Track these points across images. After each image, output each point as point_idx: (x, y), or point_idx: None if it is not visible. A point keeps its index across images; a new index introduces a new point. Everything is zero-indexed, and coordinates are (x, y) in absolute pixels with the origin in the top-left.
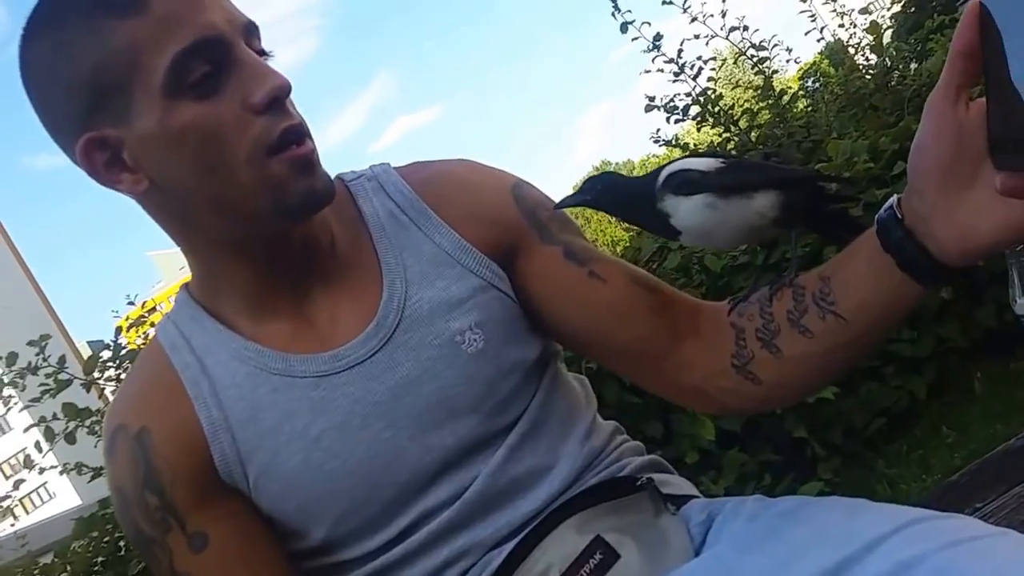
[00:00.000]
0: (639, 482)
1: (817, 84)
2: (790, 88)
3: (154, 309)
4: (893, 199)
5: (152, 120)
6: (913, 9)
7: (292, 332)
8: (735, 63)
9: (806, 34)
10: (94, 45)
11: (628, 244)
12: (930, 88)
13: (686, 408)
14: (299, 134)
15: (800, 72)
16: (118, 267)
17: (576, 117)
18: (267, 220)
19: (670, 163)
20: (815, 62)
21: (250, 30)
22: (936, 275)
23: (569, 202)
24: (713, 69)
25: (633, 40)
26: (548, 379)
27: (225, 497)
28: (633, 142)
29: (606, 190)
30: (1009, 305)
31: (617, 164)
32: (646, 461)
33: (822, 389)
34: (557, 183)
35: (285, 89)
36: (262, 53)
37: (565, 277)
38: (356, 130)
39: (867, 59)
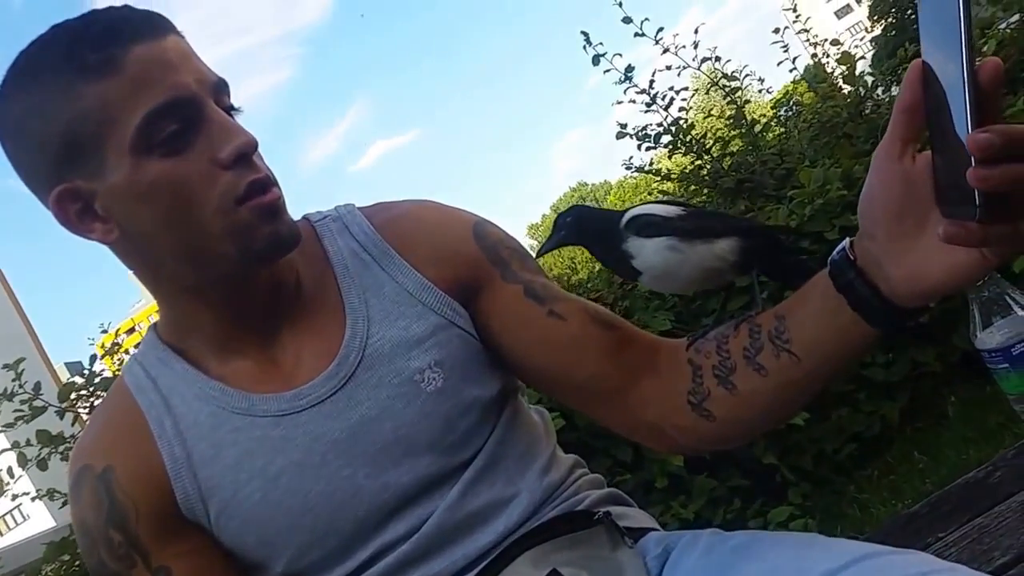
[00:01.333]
0: (596, 516)
1: (790, 112)
2: (763, 117)
3: (133, 329)
4: (846, 241)
5: (122, 175)
6: (894, 32)
7: (257, 372)
8: (707, 93)
9: (779, 64)
10: (68, 104)
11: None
12: None
13: (642, 444)
14: (264, 185)
15: (773, 101)
16: (99, 286)
17: (554, 141)
18: (233, 265)
19: (632, 207)
20: (789, 90)
21: (219, 88)
22: (887, 317)
23: (549, 246)
24: (684, 100)
25: (605, 72)
26: (507, 414)
27: (187, 532)
28: (609, 165)
29: (576, 222)
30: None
31: (594, 184)
32: (605, 494)
33: (774, 427)
34: (535, 199)
35: (251, 145)
36: (231, 109)
37: (525, 315)
38: (335, 152)
39: (840, 88)
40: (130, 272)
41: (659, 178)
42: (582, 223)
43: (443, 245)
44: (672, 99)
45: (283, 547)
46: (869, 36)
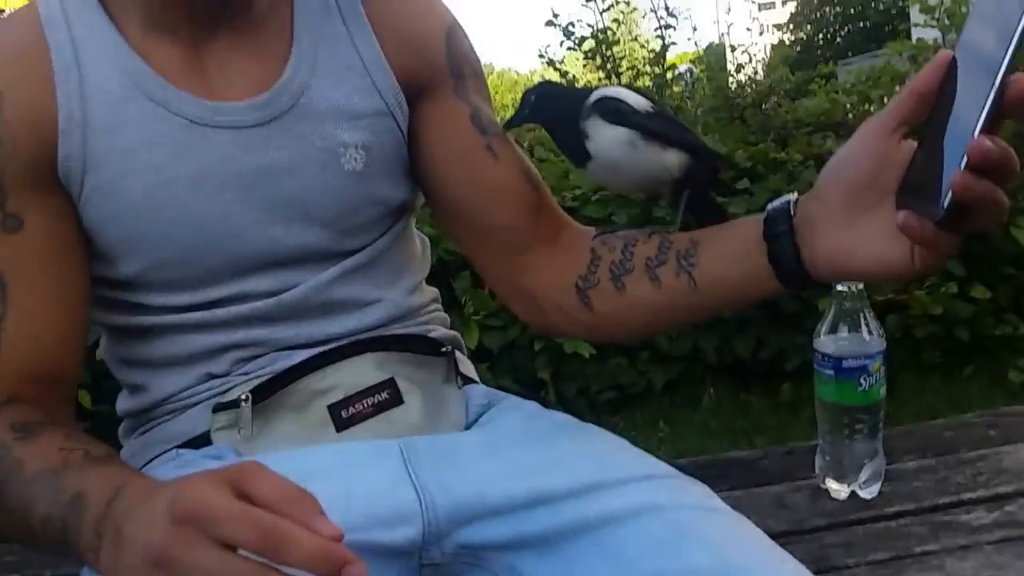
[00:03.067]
0: (444, 349)
1: (692, 76)
2: (679, 64)
3: None
4: (793, 195)
5: None
6: (800, 49)
7: (181, 65)
8: (644, 16)
9: (714, 23)
10: None
11: None
12: (798, 126)
13: (513, 310)
14: None
15: (690, 57)
16: None
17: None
18: None
19: (605, 87)
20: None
21: None
22: (797, 279)
23: (516, 121)
24: (622, 12)
25: None
26: (399, 226)
27: (53, 193)
28: (520, 51)
29: (541, 98)
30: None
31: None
32: (451, 335)
33: (640, 338)
34: None
35: None
36: None
37: (463, 138)
38: None
39: (752, 74)
40: None
41: (566, 81)
42: (547, 99)
43: (414, 31)
44: (611, 5)
45: (144, 252)
46: (777, 38)
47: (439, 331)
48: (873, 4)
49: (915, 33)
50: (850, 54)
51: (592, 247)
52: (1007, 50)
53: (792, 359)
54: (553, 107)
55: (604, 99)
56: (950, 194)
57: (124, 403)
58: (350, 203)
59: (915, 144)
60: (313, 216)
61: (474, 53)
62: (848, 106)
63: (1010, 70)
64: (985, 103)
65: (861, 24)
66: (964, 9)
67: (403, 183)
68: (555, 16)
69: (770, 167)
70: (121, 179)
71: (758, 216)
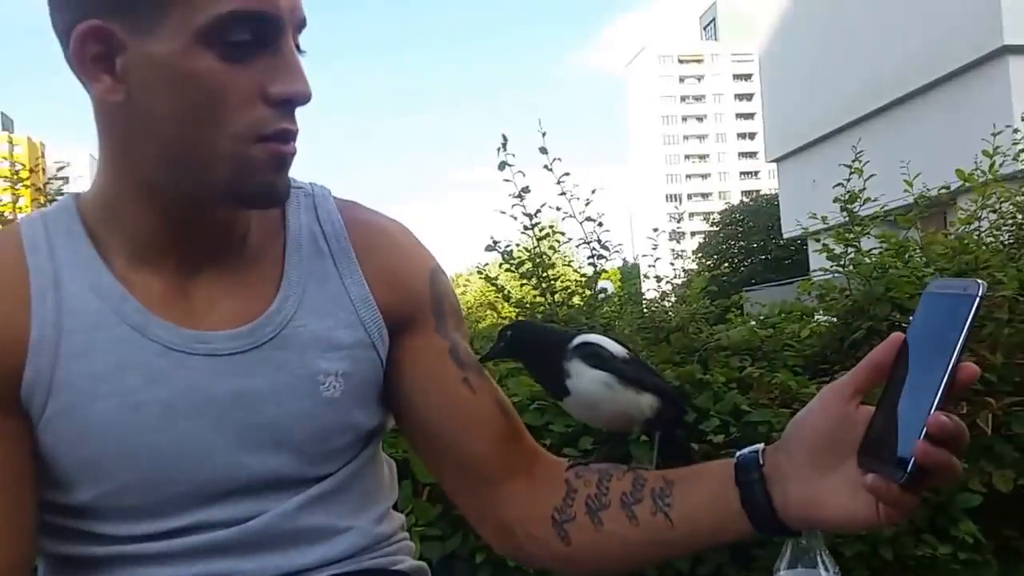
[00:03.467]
0: None
1: (607, 293)
2: (608, 282)
3: None
4: (760, 445)
5: (169, 50)
6: (714, 286)
7: (163, 296)
8: (577, 246)
9: (642, 256)
10: None
11: None
12: (719, 350)
13: (487, 540)
14: (290, 138)
15: (608, 275)
16: None
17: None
18: (215, 190)
19: (584, 334)
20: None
21: (301, 25)
22: (768, 524)
23: (490, 355)
24: (558, 240)
25: (505, 181)
26: (369, 451)
27: (12, 417)
28: (449, 256)
29: (514, 336)
30: None
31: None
32: (418, 565)
33: (617, 573)
34: None
35: (305, 97)
36: (298, 49)
37: (442, 372)
38: None
39: (673, 300)
40: None
41: (500, 296)
42: (524, 337)
43: (400, 271)
44: (548, 234)
45: (105, 478)
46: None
47: (407, 562)
48: (774, 240)
49: (816, 271)
50: (754, 282)
51: (566, 479)
52: (959, 339)
53: None
54: (532, 345)
55: (585, 344)
56: (912, 460)
57: None
58: (324, 429)
59: (871, 409)
60: (286, 441)
61: (453, 292)
62: (763, 335)
63: (960, 357)
64: (940, 384)
65: (763, 257)
66: (867, 260)
67: (377, 409)
68: (495, 243)
69: (696, 387)
70: (89, 403)
71: (725, 461)
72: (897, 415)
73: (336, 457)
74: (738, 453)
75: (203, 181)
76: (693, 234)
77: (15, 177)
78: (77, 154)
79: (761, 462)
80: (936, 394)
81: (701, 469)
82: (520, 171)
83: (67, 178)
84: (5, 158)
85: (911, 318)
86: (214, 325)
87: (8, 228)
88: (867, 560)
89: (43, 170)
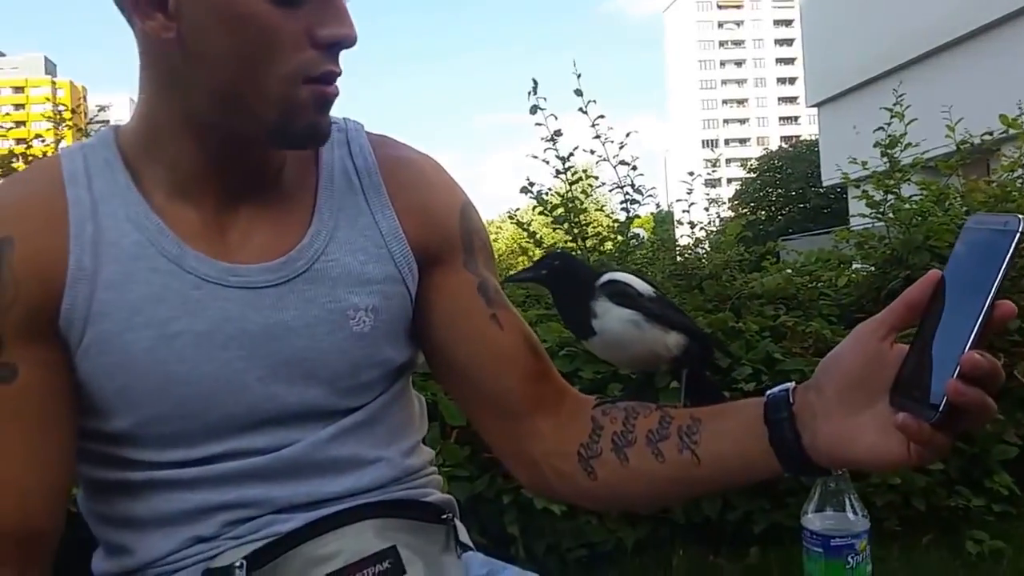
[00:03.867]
0: (445, 516)
1: (641, 240)
2: (641, 229)
3: None
4: (791, 384)
5: None
6: (744, 224)
7: (200, 228)
8: (610, 191)
9: (676, 201)
10: None
11: None
12: (752, 298)
13: (515, 475)
14: (334, 79)
15: (641, 223)
16: None
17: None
18: (261, 130)
19: (612, 271)
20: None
21: None
22: (798, 463)
23: (525, 276)
24: (591, 185)
25: (537, 125)
26: (399, 386)
27: (50, 345)
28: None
29: (561, 266)
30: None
31: None
32: (446, 498)
33: (642, 511)
34: None
35: (351, 40)
36: None
37: (469, 307)
38: None
39: (708, 248)
40: None
41: (532, 241)
42: (564, 269)
43: (432, 207)
44: (582, 178)
45: (141, 405)
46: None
47: (436, 495)
48: (813, 188)
49: (855, 220)
50: (791, 231)
51: (593, 416)
52: (996, 277)
53: (759, 522)
54: (567, 276)
55: (612, 282)
56: (945, 399)
57: (101, 564)
58: (354, 363)
59: (905, 348)
60: (316, 374)
61: (484, 229)
62: (798, 283)
63: (997, 295)
64: (976, 322)
65: (801, 206)
66: (907, 207)
67: (406, 345)
68: (530, 184)
69: (728, 335)
70: (124, 332)
71: (755, 400)
72: (931, 354)
73: (366, 390)
74: (768, 392)
75: (251, 120)
76: (730, 181)
77: (58, 118)
78: (116, 98)
79: (791, 401)
80: (971, 332)
81: (729, 408)
82: (552, 114)
83: (108, 120)
84: (48, 100)
85: (952, 253)
86: (248, 258)
87: (48, 159)
88: (899, 510)
89: (84, 112)
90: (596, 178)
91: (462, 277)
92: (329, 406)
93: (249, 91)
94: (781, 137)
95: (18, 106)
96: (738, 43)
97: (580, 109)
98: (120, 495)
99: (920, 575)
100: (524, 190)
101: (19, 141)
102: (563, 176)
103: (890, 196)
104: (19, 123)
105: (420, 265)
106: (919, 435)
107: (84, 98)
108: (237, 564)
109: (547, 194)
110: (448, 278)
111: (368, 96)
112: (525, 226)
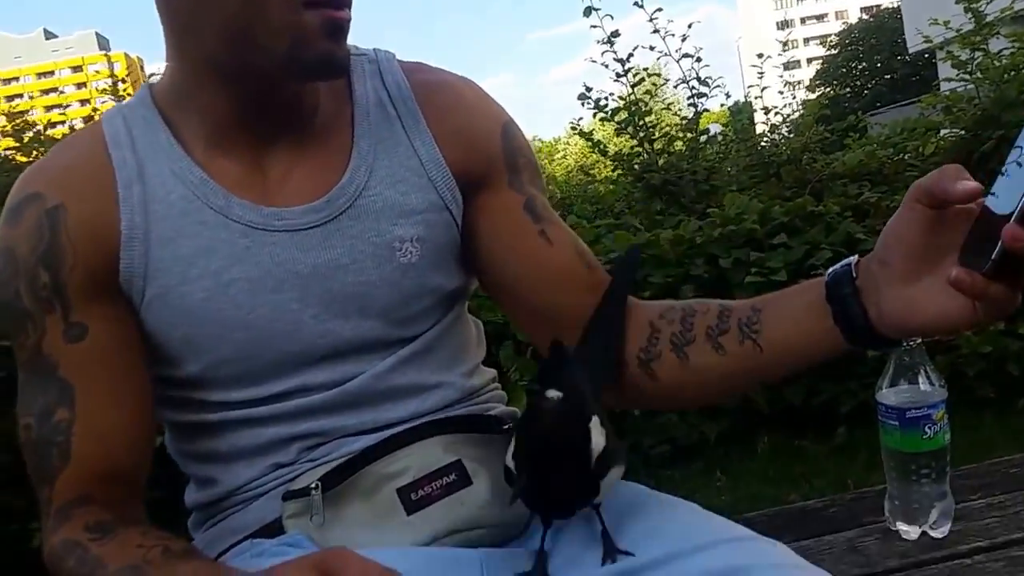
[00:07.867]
0: (506, 426)
1: (720, 135)
2: (712, 125)
3: None
4: (853, 258)
5: None
6: (827, 103)
7: (241, 176)
8: (676, 87)
9: (749, 87)
10: None
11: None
12: (833, 179)
13: None
14: (344, 4)
15: (715, 118)
16: None
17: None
18: (275, 64)
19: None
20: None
21: None
22: (864, 338)
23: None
24: (654, 83)
25: (592, 28)
26: (455, 312)
27: (114, 301)
28: (533, 116)
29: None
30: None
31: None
32: (510, 410)
33: (710, 403)
34: None
35: None
36: None
37: (517, 226)
38: None
39: (786, 132)
40: None
41: (597, 151)
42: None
43: (470, 130)
44: (643, 79)
45: (205, 352)
46: (802, 97)
47: (499, 409)
48: (899, 56)
49: (944, 85)
50: (878, 105)
51: (650, 320)
52: None
53: (846, 403)
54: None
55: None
56: (999, 245)
57: (192, 495)
58: (405, 294)
59: (970, 207)
60: (370, 309)
61: (528, 145)
62: (882, 157)
63: None
64: None
65: (888, 77)
66: (996, 63)
67: (456, 272)
68: (588, 90)
69: (807, 220)
70: (181, 285)
71: (815, 280)
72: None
73: (421, 319)
74: (829, 270)
75: (263, 54)
76: (810, 60)
77: (114, 90)
78: None
79: (855, 275)
80: None
81: (789, 291)
82: (608, 14)
83: None
84: (101, 75)
85: None
86: (290, 200)
87: (91, 125)
88: (992, 377)
89: (143, 82)
90: (658, 75)
91: (508, 197)
92: (385, 337)
93: (255, 23)
94: (860, 8)
95: (80, 85)
96: None
97: (635, 3)
98: (200, 434)
99: (1016, 437)
100: (582, 97)
101: (86, 120)
102: (624, 79)
103: (977, 53)
104: (83, 101)
105: (464, 189)
106: (972, 288)
107: (141, 67)
108: (313, 486)
109: (608, 100)
110: (494, 199)
111: (418, 43)
112: (588, 135)
